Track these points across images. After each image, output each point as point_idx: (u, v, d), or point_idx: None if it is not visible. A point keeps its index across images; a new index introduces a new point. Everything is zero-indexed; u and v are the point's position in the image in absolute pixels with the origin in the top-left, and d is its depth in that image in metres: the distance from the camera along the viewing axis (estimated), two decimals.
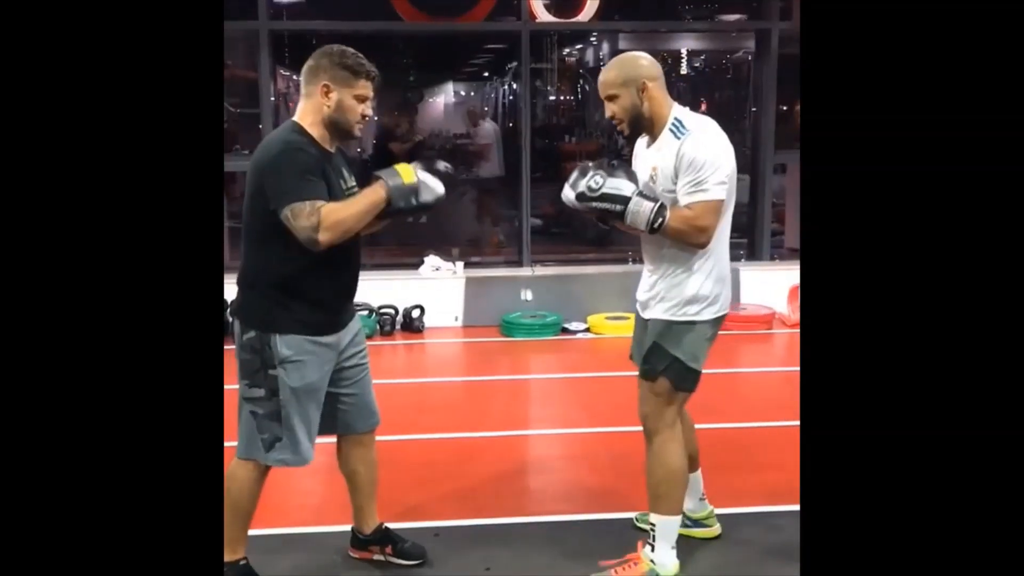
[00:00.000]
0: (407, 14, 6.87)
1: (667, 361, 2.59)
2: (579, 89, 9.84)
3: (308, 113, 2.45)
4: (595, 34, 9.40)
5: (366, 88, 2.45)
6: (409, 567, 2.84)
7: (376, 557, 2.88)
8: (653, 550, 2.63)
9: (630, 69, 2.55)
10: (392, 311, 6.31)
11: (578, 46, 10.57)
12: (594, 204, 2.52)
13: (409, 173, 2.44)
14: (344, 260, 2.52)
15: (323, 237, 2.30)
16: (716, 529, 3.04)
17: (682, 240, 2.52)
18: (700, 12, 8.92)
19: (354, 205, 2.39)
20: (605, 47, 9.74)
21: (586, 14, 6.95)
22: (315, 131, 2.45)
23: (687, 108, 2.61)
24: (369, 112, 2.49)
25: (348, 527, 2.98)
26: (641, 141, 2.72)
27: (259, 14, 6.55)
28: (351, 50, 2.46)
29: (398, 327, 6.35)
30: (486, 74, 12.60)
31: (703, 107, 10.53)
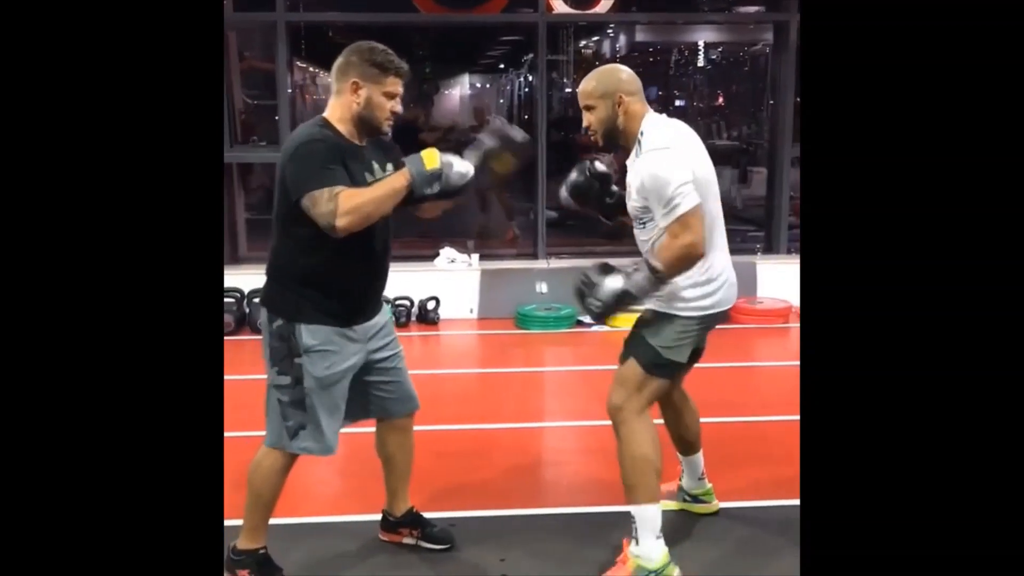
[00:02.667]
0: (424, 6, 6.87)
1: (641, 346, 2.63)
2: None
3: (337, 109, 2.46)
4: (612, 26, 9.36)
5: (395, 85, 2.46)
6: (437, 551, 2.88)
7: (406, 540, 2.92)
8: (637, 543, 2.62)
9: (609, 82, 2.58)
10: (407, 303, 6.32)
11: (595, 38, 10.54)
12: (614, 313, 2.58)
13: (433, 159, 2.40)
14: (369, 251, 2.52)
15: (340, 223, 2.28)
16: (715, 505, 3.16)
17: (684, 265, 2.51)
18: (718, 4, 8.87)
19: (374, 191, 2.37)
20: (622, 39, 9.71)
21: (603, 6, 6.93)
22: (343, 127, 2.46)
23: (659, 114, 2.62)
24: (399, 109, 2.50)
25: (365, 516, 3.00)
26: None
27: (276, 5, 6.56)
28: (380, 47, 2.46)
29: (413, 319, 6.36)
30: (502, 66, 12.59)
31: (720, 99, 10.49)
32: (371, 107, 2.44)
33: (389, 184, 2.39)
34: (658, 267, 2.47)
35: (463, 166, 2.45)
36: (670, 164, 2.46)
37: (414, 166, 2.39)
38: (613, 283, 2.54)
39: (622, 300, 2.53)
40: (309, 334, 2.45)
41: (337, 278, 2.48)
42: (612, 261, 2.65)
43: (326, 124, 2.44)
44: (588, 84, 2.60)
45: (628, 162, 2.63)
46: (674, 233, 2.45)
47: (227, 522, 2.61)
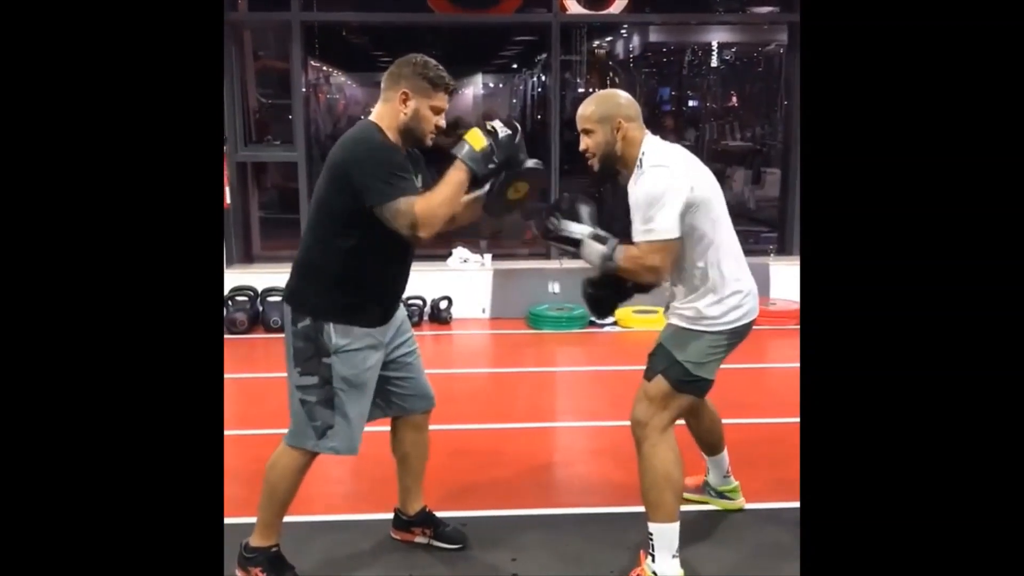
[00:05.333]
0: (437, 6, 6.89)
1: (668, 362, 2.61)
2: (608, 82, 9.82)
3: (385, 117, 2.49)
4: (625, 26, 9.35)
5: (443, 100, 2.50)
6: (449, 550, 2.90)
7: (418, 539, 2.94)
8: (654, 560, 2.62)
9: (608, 107, 2.60)
10: (420, 302, 6.35)
11: (608, 38, 10.52)
12: (555, 243, 2.65)
13: (478, 137, 2.44)
14: (404, 255, 2.60)
15: (424, 233, 2.35)
16: (740, 502, 3.20)
17: (634, 279, 2.56)
18: (731, 4, 8.84)
19: (441, 193, 2.40)
20: (636, 39, 9.69)
21: (617, 6, 6.93)
22: (391, 134, 2.48)
23: (658, 138, 2.64)
24: (443, 124, 2.53)
25: (377, 515, 3.02)
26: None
27: (291, 5, 6.60)
28: (433, 62, 2.50)
29: (426, 318, 6.38)
30: (515, 66, 12.58)
31: (733, 100, 10.46)
32: (418, 119, 2.48)
33: (451, 179, 2.42)
34: (619, 261, 2.50)
35: (506, 130, 2.48)
36: (667, 185, 2.46)
37: (464, 152, 2.43)
38: (573, 230, 2.58)
39: (566, 249, 2.60)
40: (339, 334, 2.48)
41: (374, 281, 2.53)
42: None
43: (381, 131, 2.47)
44: (587, 108, 2.62)
45: (629, 186, 2.63)
46: (641, 251, 2.48)
47: (241, 519, 2.64)
